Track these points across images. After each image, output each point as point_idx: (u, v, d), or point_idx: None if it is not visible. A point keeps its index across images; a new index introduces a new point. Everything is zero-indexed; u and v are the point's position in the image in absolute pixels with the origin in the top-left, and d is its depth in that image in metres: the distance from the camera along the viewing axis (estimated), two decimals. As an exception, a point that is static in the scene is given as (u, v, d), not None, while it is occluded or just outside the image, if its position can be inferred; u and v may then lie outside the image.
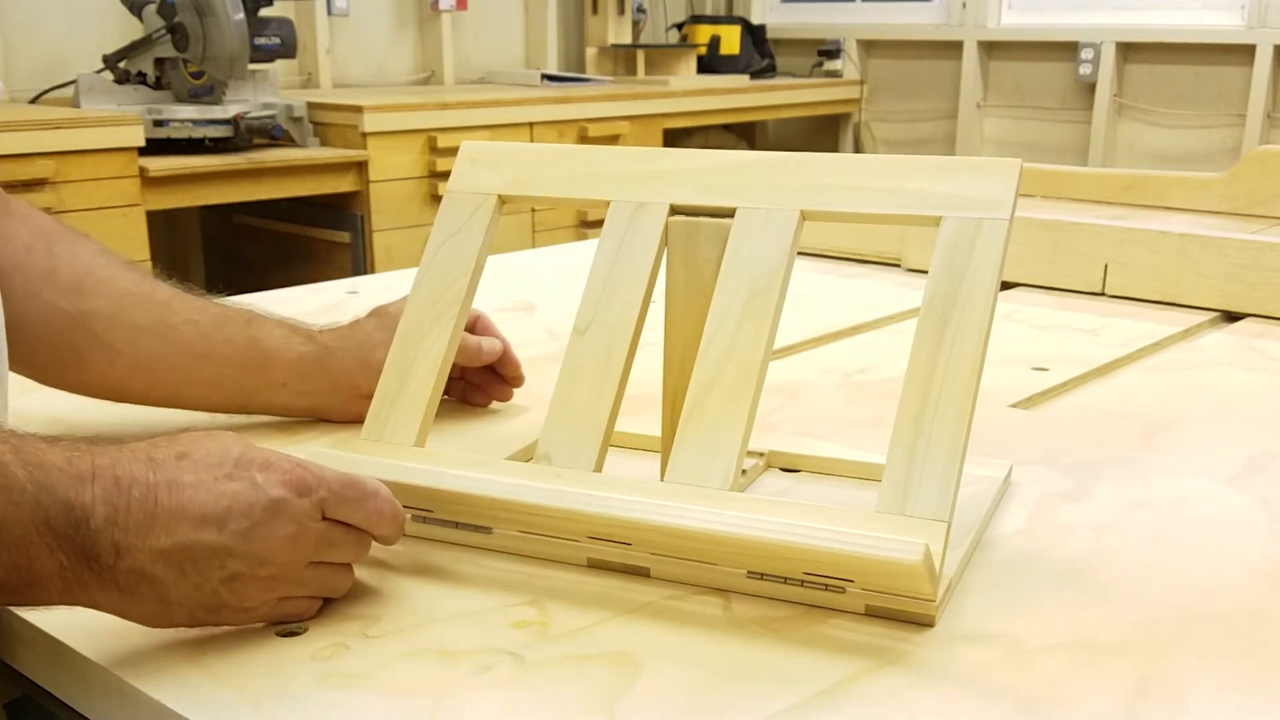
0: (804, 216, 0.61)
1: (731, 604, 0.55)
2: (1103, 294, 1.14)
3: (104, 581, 0.47)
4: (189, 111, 2.54)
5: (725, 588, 0.56)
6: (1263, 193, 1.48)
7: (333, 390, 0.75)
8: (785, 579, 0.54)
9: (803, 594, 0.54)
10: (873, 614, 0.53)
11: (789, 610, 0.54)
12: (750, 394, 0.57)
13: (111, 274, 0.72)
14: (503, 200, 0.67)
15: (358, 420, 0.66)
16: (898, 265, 1.25)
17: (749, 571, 0.55)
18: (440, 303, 0.65)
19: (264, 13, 2.68)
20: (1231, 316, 1.08)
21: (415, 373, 0.64)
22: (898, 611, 0.53)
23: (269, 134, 2.63)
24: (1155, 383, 0.89)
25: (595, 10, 3.87)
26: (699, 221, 0.62)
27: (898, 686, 0.48)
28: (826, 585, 0.53)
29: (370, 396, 0.65)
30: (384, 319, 0.76)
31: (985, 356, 0.56)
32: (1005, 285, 1.19)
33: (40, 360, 0.72)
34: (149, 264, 2.29)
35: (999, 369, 0.91)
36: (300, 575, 0.51)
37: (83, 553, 0.46)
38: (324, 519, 0.51)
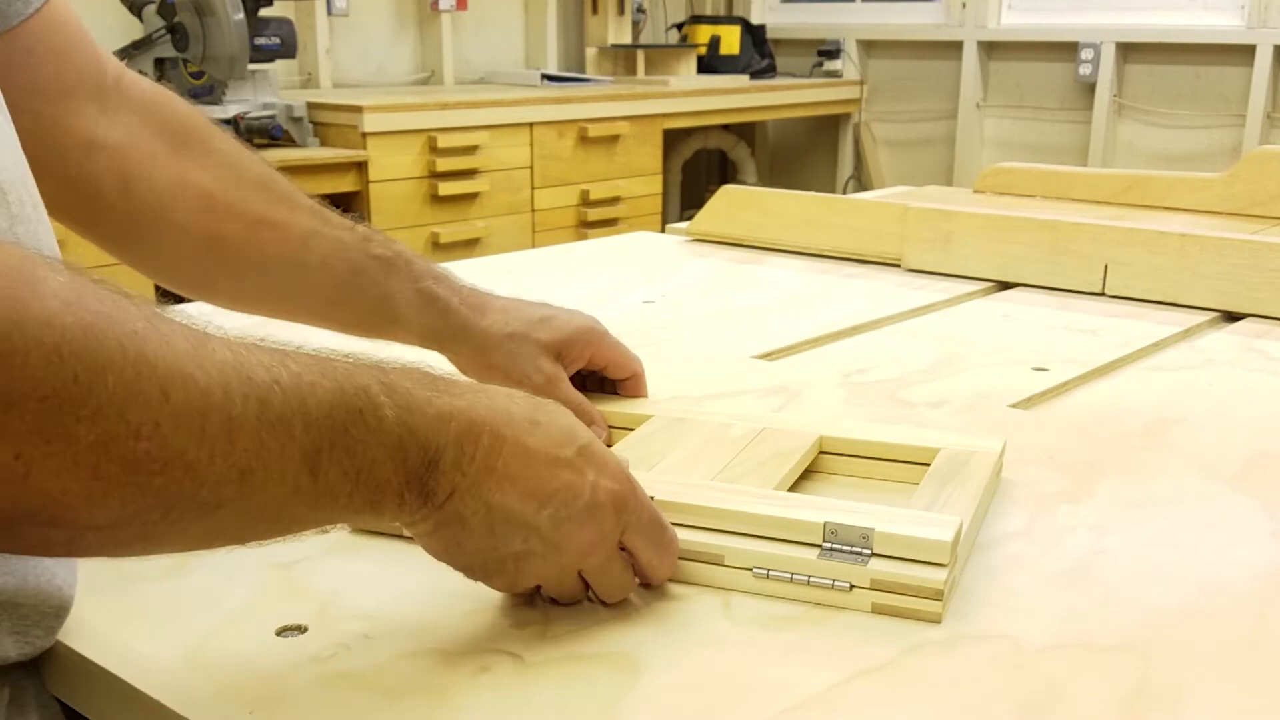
0: (820, 443, 0.69)
1: (731, 604, 0.55)
2: (1103, 294, 1.14)
3: (426, 514, 0.47)
4: (189, 111, 2.54)
5: (731, 587, 0.56)
6: (1263, 193, 1.48)
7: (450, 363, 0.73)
8: (791, 576, 0.54)
9: (809, 593, 0.54)
10: (879, 612, 0.54)
11: (789, 610, 0.54)
12: None
13: (244, 193, 0.69)
14: None
15: None
16: (898, 265, 1.25)
17: (755, 569, 0.55)
18: None
19: (264, 13, 2.69)
20: (1231, 317, 1.08)
21: None
22: (905, 610, 0.53)
23: (269, 134, 2.64)
24: (1155, 383, 0.89)
25: (595, 10, 3.87)
26: (733, 421, 0.71)
27: (897, 687, 0.48)
28: (833, 583, 0.54)
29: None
30: (528, 331, 0.73)
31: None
32: (1005, 285, 1.19)
33: (172, 276, 0.70)
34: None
35: (999, 369, 0.91)
36: (575, 575, 0.52)
37: (424, 490, 0.46)
38: (620, 541, 0.52)
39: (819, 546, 0.55)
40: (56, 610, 0.50)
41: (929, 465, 0.65)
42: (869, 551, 0.54)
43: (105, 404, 0.36)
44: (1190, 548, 0.61)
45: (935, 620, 0.53)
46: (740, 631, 0.52)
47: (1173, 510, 0.66)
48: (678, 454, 0.66)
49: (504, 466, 0.48)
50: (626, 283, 1.20)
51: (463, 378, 0.52)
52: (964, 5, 3.86)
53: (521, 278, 1.21)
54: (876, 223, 1.27)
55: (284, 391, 0.41)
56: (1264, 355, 0.96)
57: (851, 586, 0.54)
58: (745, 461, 0.65)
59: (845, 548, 0.54)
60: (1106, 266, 1.14)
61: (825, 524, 0.55)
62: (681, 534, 0.56)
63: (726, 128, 4.15)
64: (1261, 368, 0.93)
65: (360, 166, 2.77)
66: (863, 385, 0.88)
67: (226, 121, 2.57)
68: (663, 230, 1.54)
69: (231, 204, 0.68)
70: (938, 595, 0.53)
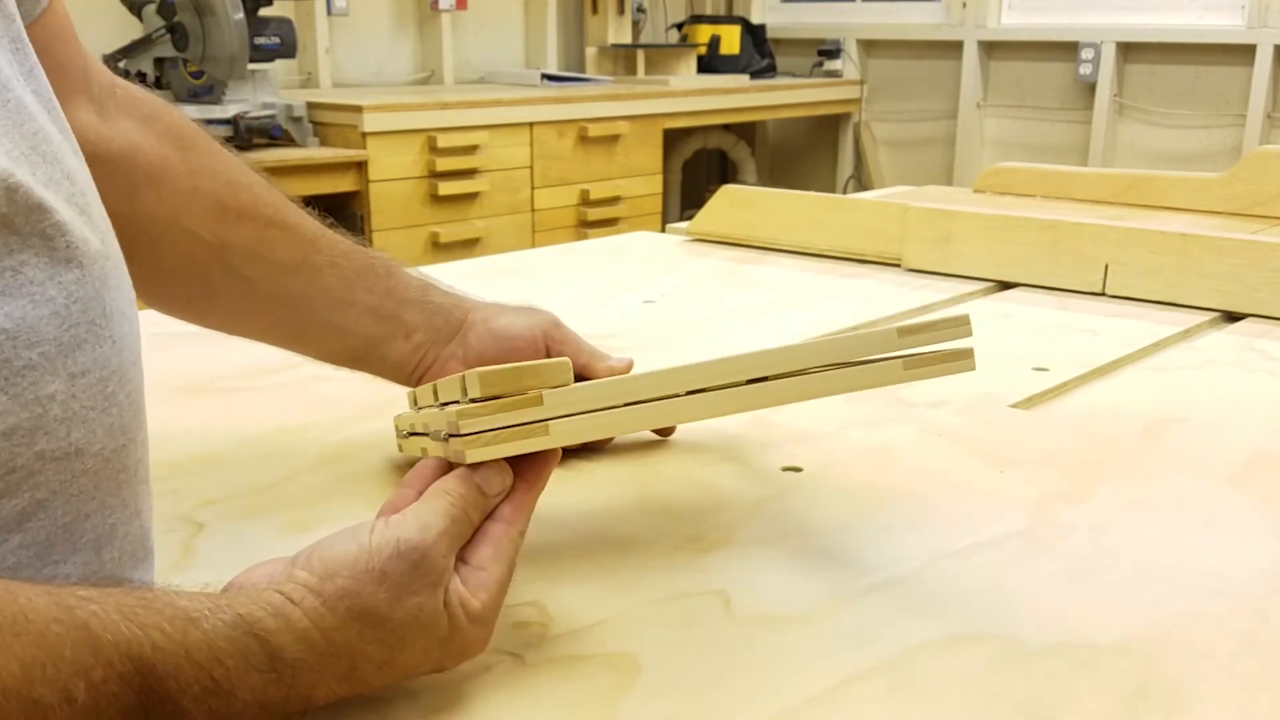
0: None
1: (732, 604, 0.55)
2: (1103, 294, 1.14)
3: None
4: (189, 111, 2.53)
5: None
6: (1263, 193, 1.48)
7: (448, 342, 0.70)
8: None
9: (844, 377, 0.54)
10: (912, 366, 0.53)
11: (789, 610, 0.54)
12: None
13: (254, 197, 0.67)
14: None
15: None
16: (898, 265, 1.25)
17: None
18: None
19: (263, 12, 2.69)
20: (1232, 317, 1.08)
21: None
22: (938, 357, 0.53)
23: (268, 134, 2.64)
24: (1156, 383, 0.89)
25: (595, 10, 3.87)
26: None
27: (897, 687, 0.48)
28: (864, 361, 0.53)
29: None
30: (532, 318, 0.71)
31: None
32: (1005, 285, 1.19)
33: (170, 290, 0.68)
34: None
35: (999, 369, 0.91)
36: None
37: None
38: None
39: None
40: None
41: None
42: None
43: None
44: (1191, 548, 0.61)
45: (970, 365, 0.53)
46: (740, 631, 0.52)
47: (1173, 510, 0.65)
48: None
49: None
50: (626, 282, 1.20)
51: None
52: (964, 5, 3.86)
53: (521, 278, 1.21)
54: (876, 222, 1.27)
55: (76, 713, 0.36)
56: (1265, 355, 0.96)
57: (884, 358, 0.53)
58: None
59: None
60: (1107, 266, 1.14)
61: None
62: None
63: (726, 127, 4.15)
64: (1262, 368, 0.92)
65: (360, 166, 2.77)
66: (863, 385, 0.87)
67: (226, 121, 2.57)
68: (663, 230, 1.54)
69: (243, 208, 0.67)
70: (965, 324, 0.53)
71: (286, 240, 0.68)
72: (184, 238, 0.65)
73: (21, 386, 0.40)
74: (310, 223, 0.69)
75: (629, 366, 0.73)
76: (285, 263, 0.68)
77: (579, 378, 0.62)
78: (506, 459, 0.48)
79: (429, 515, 0.45)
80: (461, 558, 0.46)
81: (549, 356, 0.69)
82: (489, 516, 0.48)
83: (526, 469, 0.49)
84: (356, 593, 0.42)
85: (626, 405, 0.50)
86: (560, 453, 0.50)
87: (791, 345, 0.53)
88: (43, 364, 0.41)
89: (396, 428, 0.63)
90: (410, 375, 0.71)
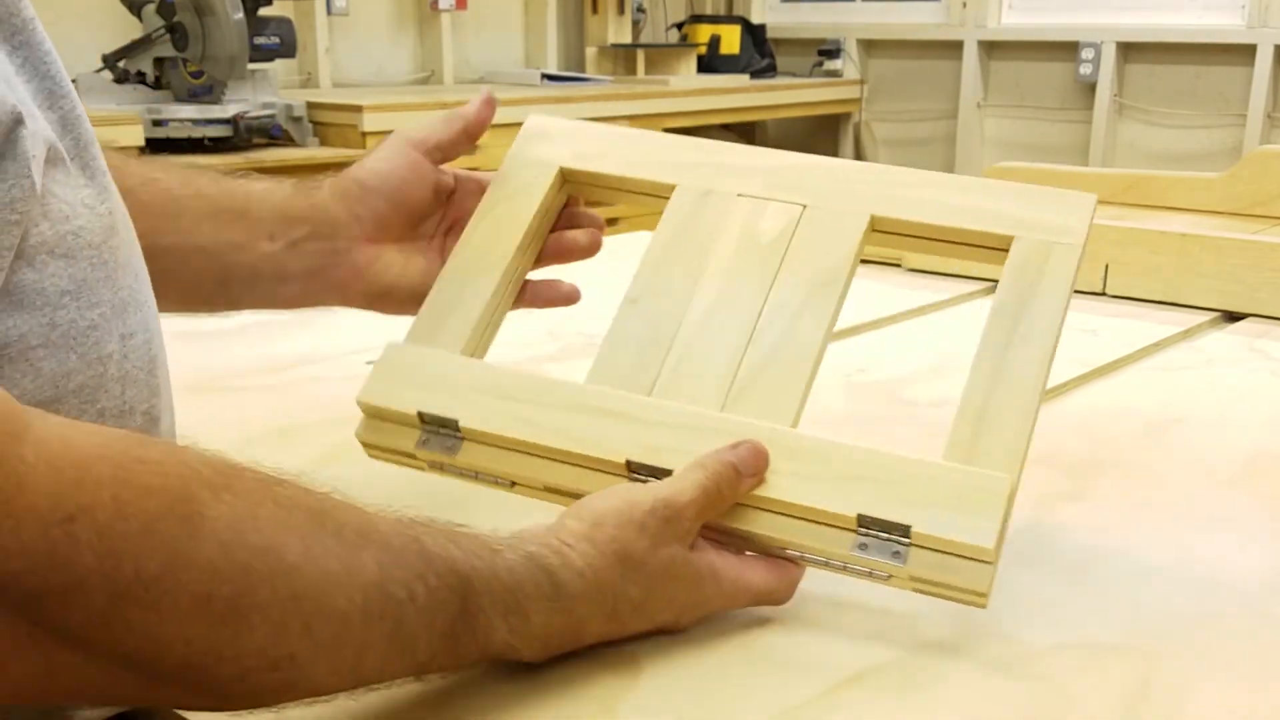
0: (873, 223, 0.60)
1: (731, 604, 0.54)
2: (1103, 294, 1.14)
3: None
4: (188, 111, 2.54)
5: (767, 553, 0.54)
6: (1263, 193, 1.47)
7: (340, 235, 0.63)
8: (828, 562, 0.52)
9: (846, 573, 0.53)
10: (921, 592, 0.52)
11: (789, 610, 0.54)
12: (804, 380, 0.56)
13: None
14: (564, 176, 0.65)
15: (368, 307, 0.64)
16: (898, 265, 1.25)
17: (788, 550, 0.53)
18: (491, 257, 0.63)
19: (263, 12, 2.68)
20: (1232, 317, 1.08)
21: (473, 285, 0.61)
22: (950, 596, 0.51)
23: (268, 134, 2.63)
24: (1156, 383, 0.89)
25: (595, 10, 3.87)
26: (767, 203, 0.61)
27: (898, 687, 0.48)
28: (871, 572, 0.51)
29: (398, 242, 0.63)
30: (413, 146, 0.65)
31: (1052, 364, 0.55)
32: (1005, 285, 1.19)
33: None
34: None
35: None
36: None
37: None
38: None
39: (855, 533, 0.51)
40: None
41: (1001, 251, 0.59)
42: (907, 543, 0.50)
43: (248, 645, 0.37)
44: (1191, 548, 0.61)
45: (982, 606, 0.51)
46: (740, 632, 0.52)
47: (1173, 510, 0.65)
48: (702, 293, 0.60)
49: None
50: (626, 283, 1.19)
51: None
52: (964, 5, 3.86)
53: (521, 277, 1.21)
54: (877, 222, 1.27)
55: (417, 612, 0.42)
56: (1265, 355, 0.96)
57: (890, 576, 0.51)
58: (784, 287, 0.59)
59: (882, 537, 0.51)
60: (1107, 266, 1.14)
61: (859, 516, 0.51)
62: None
63: (727, 127, 4.15)
64: (1262, 368, 0.92)
65: (360, 166, 2.77)
66: (863, 385, 0.87)
67: (226, 121, 2.56)
68: (663, 230, 1.54)
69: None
70: (983, 595, 0.50)
71: (161, 181, 0.61)
72: None
73: (86, 346, 0.42)
74: (116, 154, 0.59)
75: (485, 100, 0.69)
76: (159, 197, 0.60)
77: (463, 139, 0.68)
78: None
79: (685, 482, 0.51)
80: (719, 548, 0.53)
81: (431, 163, 0.66)
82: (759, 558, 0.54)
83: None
84: (620, 539, 0.48)
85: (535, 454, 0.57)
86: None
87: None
88: (102, 324, 0.43)
89: (393, 450, 0.61)
90: (299, 284, 0.63)
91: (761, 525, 0.53)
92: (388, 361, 0.59)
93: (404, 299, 0.65)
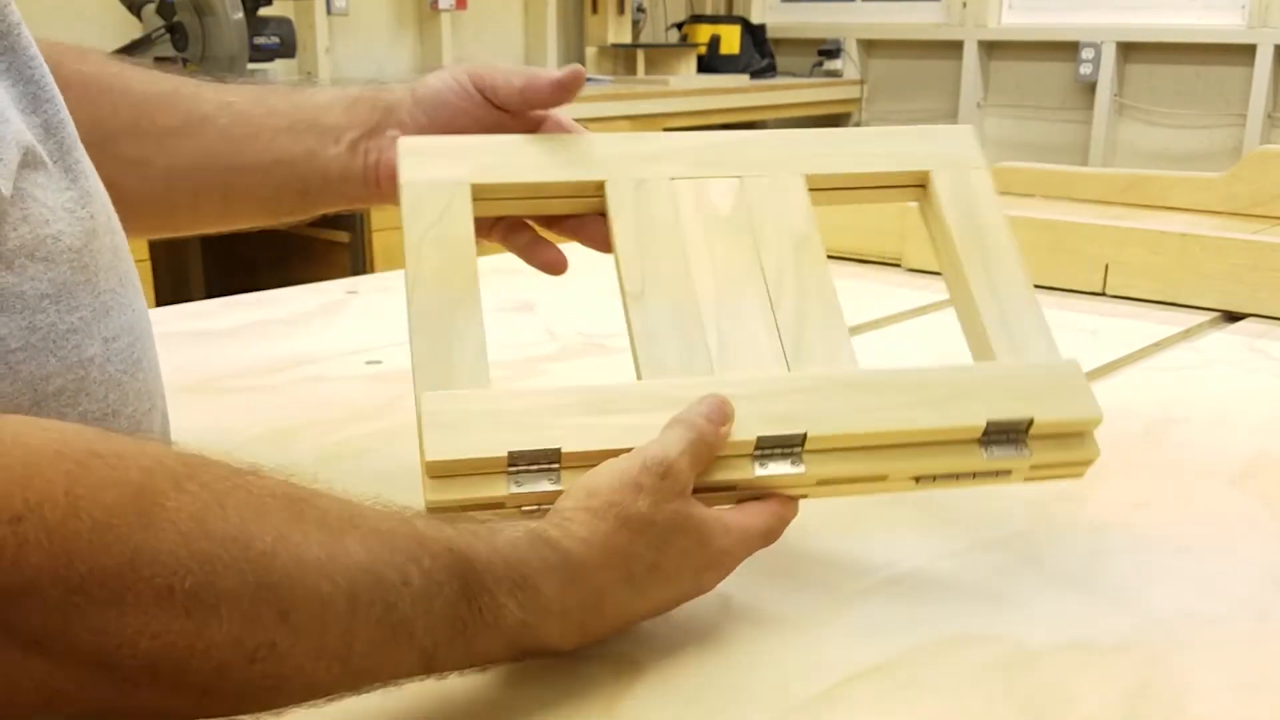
0: (808, 181, 0.63)
1: (732, 604, 0.54)
2: (1103, 294, 1.14)
3: None
4: (189, 111, 2.54)
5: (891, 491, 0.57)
6: (1263, 193, 1.47)
7: (386, 134, 0.65)
8: (957, 476, 0.56)
9: (966, 482, 0.56)
10: (1033, 479, 0.57)
11: (789, 610, 0.54)
12: (842, 324, 0.59)
13: (125, 81, 0.64)
14: (476, 193, 0.61)
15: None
16: (898, 265, 1.25)
17: (920, 478, 0.56)
18: (455, 285, 0.59)
19: (263, 12, 2.68)
20: (1232, 317, 1.08)
21: (457, 321, 0.58)
22: (1059, 475, 0.57)
23: (269, 133, 2.63)
24: (1156, 383, 0.89)
25: (595, 10, 3.87)
26: (705, 181, 0.62)
27: (898, 687, 0.48)
28: (996, 473, 0.56)
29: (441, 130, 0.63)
30: (471, 79, 0.65)
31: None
32: (1005, 285, 1.19)
33: None
34: (147, 263, 2.28)
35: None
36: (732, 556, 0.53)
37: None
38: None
39: (978, 443, 0.55)
40: None
41: (918, 187, 0.66)
42: (1027, 436, 0.55)
43: (218, 636, 0.36)
44: (1191, 548, 0.61)
45: (1081, 475, 0.58)
46: (740, 631, 0.52)
47: (1174, 510, 0.65)
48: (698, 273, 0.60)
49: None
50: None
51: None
52: (964, 5, 3.86)
53: (521, 277, 1.21)
54: (876, 222, 1.27)
55: (412, 594, 0.40)
56: (1265, 355, 0.96)
57: (1010, 472, 0.56)
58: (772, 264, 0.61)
59: (1004, 437, 0.55)
60: (1107, 266, 1.14)
61: (987, 424, 0.55)
62: (838, 463, 0.55)
63: (727, 127, 4.15)
64: (1262, 368, 0.92)
65: (360, 166, 2.77)
66: (863, 385, 0.87)
67: (226, 121, 2.56)
68: (663, 230, 1.54)
69: (116, 95, 0.64)
70: (1092, 460, 0.57)
71: (167, 106, 0.64)
72: None
73: (66, 349, 0.42)
74: (191, 83, 0.66)
75: (575, 75, 0.65)
76: (171, 126, 0.63)
77: (517, 100, 0.65)
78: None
79: (669, 437, 0.51)
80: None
81: (484, 101, 0.65)
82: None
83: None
84: (619, 502, 0.48)
85: None
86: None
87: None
88: (83, 328, 0.43)
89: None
90: (360, 183, 0.65)
91: (893, 460, 0.55)
92: (436, 414, 0.53)
93: None
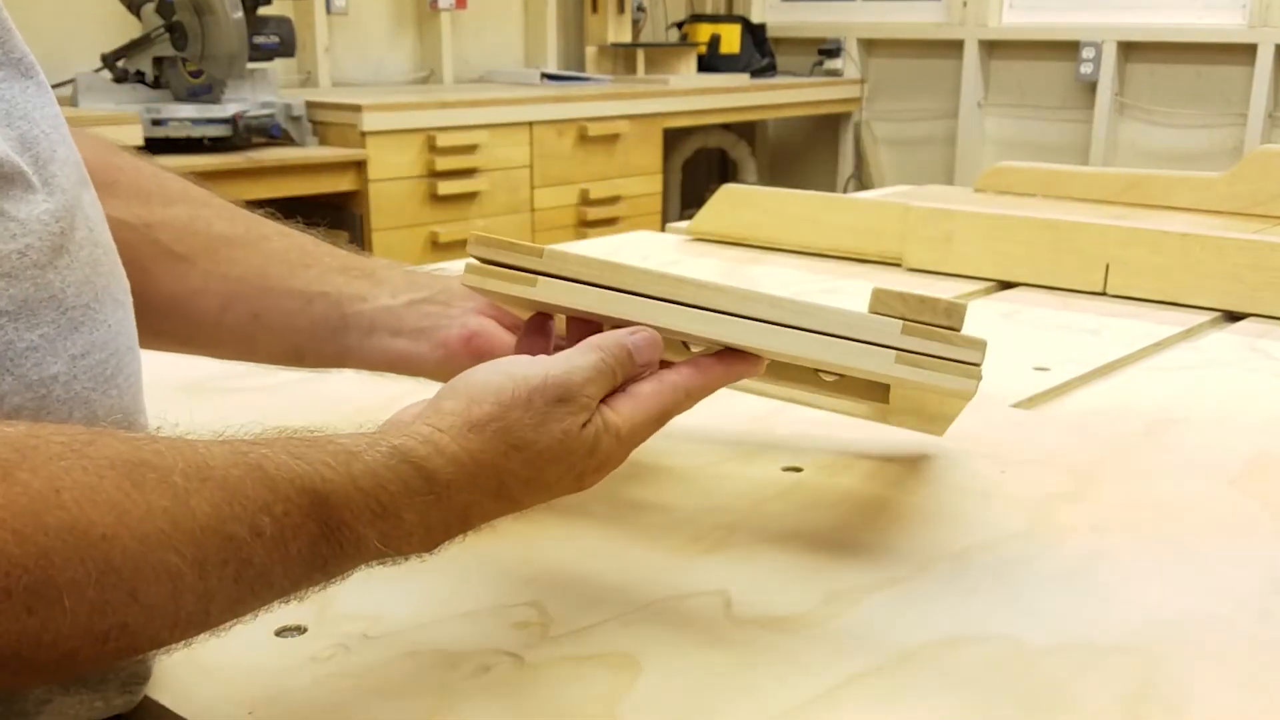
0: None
1: (732, 604, 0.55)
2: (1104, 294, 1.14)
3: None
4: (187, 110, 2.54)
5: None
6: (1264, 192, 1.47)
7: (456, 304, 0.64)
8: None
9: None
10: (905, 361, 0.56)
11: (789, 610, 0.54)
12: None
13: (184, 187, 0.64)
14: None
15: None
16: (898, 265, 1.25)
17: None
18: None
19: (263, 11, 2.69)
20: (1233, 316, 1.08)
21: None
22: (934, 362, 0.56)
23: (268, 133, 2.64)
24: (1157, 383, 0.89)
25: (595, 9, 3.87)
26: None
27: (898, 687, 0.48)
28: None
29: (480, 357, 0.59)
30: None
31: None
32: (1006, 285, 1.19)
33: None
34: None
35: (999, 369, 0.91)
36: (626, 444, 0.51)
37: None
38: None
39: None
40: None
41: None
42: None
43: (66, 627, 0.35)
44: (1192, 548, 0.61)
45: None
46: (740, 631, 0.52)
47: (1174, 510, 0.65)
48: None
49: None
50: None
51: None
52: (965, 4, 3.86)
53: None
54: (877, 222, 1.27)
55: (265, 545, 0.39)
56: (1265, 355, 0.96)
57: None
58: None
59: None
60: (1108, 266, 1.14)
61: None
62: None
63: (727, 127, 4.15)
64: (1263, 368, 0.92)
65: (359, 165, 2.77)
66: (863, 385, 0.87)
67: (225, 120, 2.56)
68: (663, 229, 1.54)
69: (172, 194, 0.63)
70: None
71: (225, 215, 0.64)
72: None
73: (25, 367, 0.41)
74: (249, 211, 0.66)
75: None
76: (226, 234, 0.63)
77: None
78: (711, 351, 0.54)
79: (578, 359, 0.49)
80: (604, 401, 0.50)
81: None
82: (642, 378, 0.51)
83: (713, 362, 0.54)
84: (501, 417, 0.46)
85: (616, 290, 0.55)
86: (758, 367, 0.56)
87: (794, 299, 0.55)
88: (44, 345, 0.42)
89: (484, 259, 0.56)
90: (410, 336, 0.64)
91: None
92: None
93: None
